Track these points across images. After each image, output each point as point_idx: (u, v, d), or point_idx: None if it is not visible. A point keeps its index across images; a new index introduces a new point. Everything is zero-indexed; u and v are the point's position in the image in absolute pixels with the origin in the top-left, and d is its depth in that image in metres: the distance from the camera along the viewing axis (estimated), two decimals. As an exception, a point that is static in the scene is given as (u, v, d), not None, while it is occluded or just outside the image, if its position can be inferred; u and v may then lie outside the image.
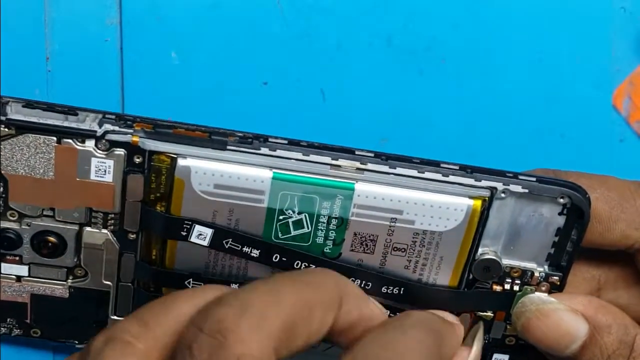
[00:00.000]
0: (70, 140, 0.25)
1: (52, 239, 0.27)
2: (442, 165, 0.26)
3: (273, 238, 0.26)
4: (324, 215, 0.26)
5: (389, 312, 0.27)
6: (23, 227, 0.27)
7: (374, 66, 0.32)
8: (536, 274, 0.28)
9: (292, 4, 0.32)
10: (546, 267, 0.28)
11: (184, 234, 0.26)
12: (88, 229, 0.27)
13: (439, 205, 0.26)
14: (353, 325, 0.24)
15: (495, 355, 0.30)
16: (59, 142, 0.25)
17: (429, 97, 0.33)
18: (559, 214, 0.27)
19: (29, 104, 0.25)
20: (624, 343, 0.27)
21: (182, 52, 0.31)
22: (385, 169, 0.26)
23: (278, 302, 0.21)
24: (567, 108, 0.34)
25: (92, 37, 0.30)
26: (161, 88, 0.31)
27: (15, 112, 0.25)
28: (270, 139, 0.26)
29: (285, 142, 0.26)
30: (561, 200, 0.27)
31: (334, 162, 0.26)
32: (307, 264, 0.27)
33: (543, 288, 0.28)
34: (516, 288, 0.28)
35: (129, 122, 0.25)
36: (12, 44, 0.29)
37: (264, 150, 0.25)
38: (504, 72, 0.33)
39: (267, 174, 0.25)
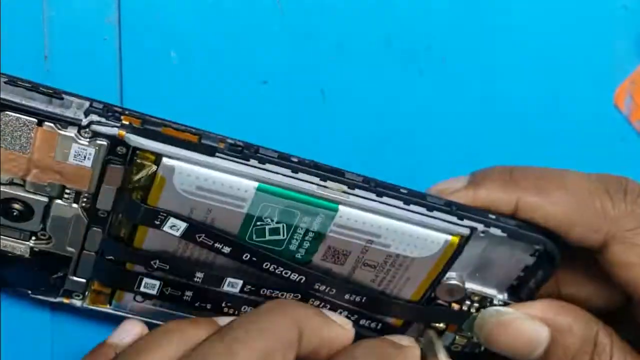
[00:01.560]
0: (52, 125, 0.24)
1: (18, 206, 0.26)
2: (428, 198, 0.26)
3: (247, 239, 0.26)
4: (302, 228, 0.26)
5: (352, 322, 0.28)
6: None
7: (374, 66, 0.32)
8: (495, 301, 0.29)
9: (292, 3, 0.32)
10: (506, 295, 0.29)
11: (157, 223, 0.26)
12: (58, 201, 0.26)
13: (417, 236, 0.26)
14: (315, 351, 0.25)
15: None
16: (40, 124, 0.24)
17: (429, 97, 0.33)
18: (530, 255, 0.28)
19: (12, 81, 0.24)
20: (587, 340, 0.27)
21: (181, 51, 0.31)
22: (372, 196, 0.26)
23: None
24: (569, 107, 0.34)
25: (91, 35, 0.30)
26: (160, 87, 0.31)
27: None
28: (260, 151, 0.25)
29: (276, 155, 0.25)
30: (536, 246, 0.27)
31: (321, 182, 0.25)
32: (275, 266, 0.27)
33: None
34: (473, 310, 0.29)
35: (117, 114, 0.25)
36: (11, 43, 0.29)
37: (253, 162, 0.25)
38: (504, 72, 0.33)
39: (252, 184, 0.25)
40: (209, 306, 0.29)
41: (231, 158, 0.25)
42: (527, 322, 0.27)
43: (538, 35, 0.34)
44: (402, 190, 0.26)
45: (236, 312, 0.29)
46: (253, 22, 0.31)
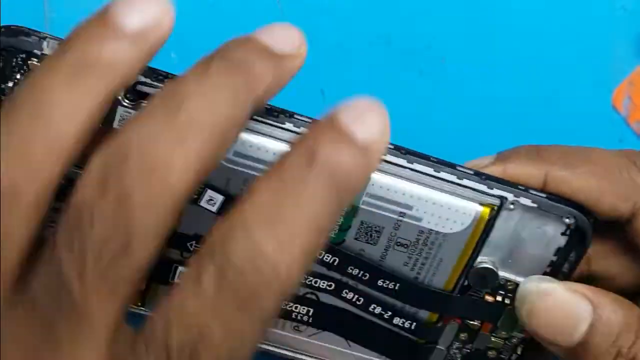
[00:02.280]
0: None
1: None
2: (457, 167, 0.26)
3: None
4: None
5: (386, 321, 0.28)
6: None
7: (374, 66, 0.32)
8: None
9: (292, 4, 0.32)
10: None
11: (194, 196, 0.25)
12: None
13: (449, 207, 0.26)
14: None
15: None
16: None
17: (429, 96, 0.33)
18: (562, 233, 0.27)
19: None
20: (630, 321, 0.26)
21: (181, 52, 0.31)
22: (403, 162, 0.25)
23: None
24: (567, 108, 0.34)
25: (92, 37, 0.30)
26: (161, 88, 0.31)
27: (51, 50, 0.24)
28: (295, 115, 0.25)
29: (310, 120, 0.25)
30: (566, 220, 0.27)
31: None
32: None
33: None
34: (507, 301, 0.28)
35: (160, 77, 0.24)
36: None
37: (289, 125, 0.25)
38: (503, 72, 0.33)
39: (287, 149, 0.25)
40: None
41: (267, 121, 0.24)
42: (569, 293, 0.26)
43: (537, 36, 0.34)
44: (432, 158, 0.26)
45: None
46: (253, 22, 0.31)
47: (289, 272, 0.17)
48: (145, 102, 0.24)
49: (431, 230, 0.26)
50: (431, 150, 0.33)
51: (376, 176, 0.26)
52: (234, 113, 0.18)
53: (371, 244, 0.27)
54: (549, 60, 0.34)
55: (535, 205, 0.26)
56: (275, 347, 0.29)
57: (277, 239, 0.17)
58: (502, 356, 0.29)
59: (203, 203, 0.25)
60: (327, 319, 0.28)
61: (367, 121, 0.18)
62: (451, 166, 0.26)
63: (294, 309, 0.28)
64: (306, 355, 0.29)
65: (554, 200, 0.26)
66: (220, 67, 0.19)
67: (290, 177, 0.17)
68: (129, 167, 0.17)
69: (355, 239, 0.27)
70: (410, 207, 0.26)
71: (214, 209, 0.25)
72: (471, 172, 0.26)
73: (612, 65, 0.34)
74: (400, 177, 0.26)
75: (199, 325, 0.17)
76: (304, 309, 0.28)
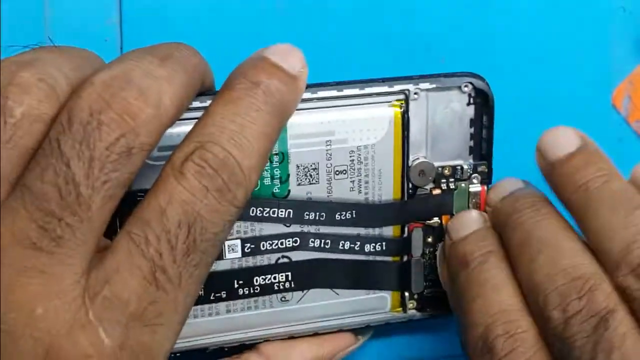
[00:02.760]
0: None
1: None
2: (359, 81, 0.28)
3: None
4: None
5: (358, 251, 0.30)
6: None
7: (374, 66, 0.32)
8: (465, 167, 0.30)
9: (292, 3, 0.32)
10: (471, 159, 0.30)
11: None
12: None
13: (365, 118, 0.28)
14: None
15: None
16: None
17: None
18: (467, 104, 0.29)
19: None
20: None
21: (183, 52, 0.31)
22: (308, 95, 0.28)
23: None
24: (567, 107, 0.34)
25: (92, 36, 0.30)
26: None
27: None
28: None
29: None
30: (465, 89, 0.29)
31: None
32: (261, 208, 0.28)
33: (475, 180, 0.30)
34: (452, 186, 0.30)
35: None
36: (12, 43, 0.29)
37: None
38: (503, 72, 0.33)
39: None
40: (224, 294, 0.29)
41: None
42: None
43: (536, 36, 0.34)
44: (332, 82, 0.28)
45: (250, 290, 0.29)
46: (253, 22, 0.31)
47: (250, 170, 0.22)
48: None
49: (359, 146, 0.28)
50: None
51: (292, 118, 0.27)
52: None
53: (314, 183, 0.29)
54: (548, 60, 0.34)
55: (434, 85, 0.29)
56: (273, 328, 0.30)
57: (239, 146, 0.22)
58: None
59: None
60: (306, 276, 0.30)
61: (291, 58, 0.24)
62: (352, 82, 0.28)
63: (273, 280, 0.29)
64: (301, 323, 0.30)
65: (449, 75, 0.29)
66: (243, 86, 0.23)
67: (240, 99, 0.23)
68: (132, 87, 0.21)
69: (298, 184, 0.28)
70: (332, 133, 0.28)
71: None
72: (370, 79, 0.29)
73: (612, 65, 0.34)
74: (312, 109, 0.28)
75: (190, 208, 0.21)
76: (282, 275, 0.29)
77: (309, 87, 0.27)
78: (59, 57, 0.22)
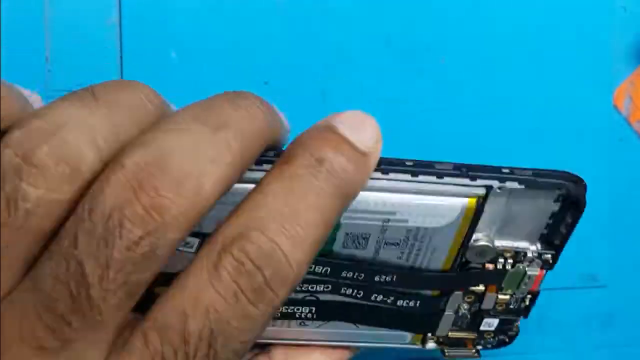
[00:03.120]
0: None
1: None
2: (436, 166, 0.25)
3: None
4: None
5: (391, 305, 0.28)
6: None
7: (374, 67, 0.32)
8: (529, 254, 0.28)
9: (292, 4, 0.32)
10: (538, 245, 0.28)
11: None
12: None
13: (433, 206, 0.25)
14: None
15: (485, 319, 0.30)
16: None
17: (428, 97, 0.33)
18: (554, 201, 0.26)
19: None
20: None
21: (182, 52, 0.31)
22: (378, 175, 0.24)
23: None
24: (568, 107, 0.34)
25: (92, 37, 0.30)
26: (161, 88, 0.31)
27: None
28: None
29: None
30: (557, 191, 0.26)
31: None
32: None
33: (535, 265, 0.28)
34: (508, 267, 0.28)
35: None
36: (12, 44, 0.29)
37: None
38: (504, 72, 0.33)
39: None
40: None
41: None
42: None
43: (537, 36, 0.34)
44: (407, 162, 0.25)
45: (274, 324, 0.28)
46: (254, 22, 0.31)
47: (300, 265, 0.19)
48: None
49: (419, 227, 0.26)
50: (431, 150, 0.33)
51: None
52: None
53: (360, 249, 0.26)
54: (549, 60, 0.34)
55: (522, 186, 0.25)
56: (283, 340, 0.29)
57: (291, 236, 0.19)
58: (511, 307, 0.29)
59: (181, 247, 0.24)
60: (330, 313, 0.28)
61: (363, 131, 0.21)
62: (428, 166, 0.25)
63: (295, 311, 0.28)
64: (316, 341, 0.29)
65: (541, 176, 0.25)
66: (304, 163, 0.20)
67: (299, 177, 0.19)
68: (167, 174, 0.18)
69: (344, 247, 0.26)
70: (393, 213, 0.25)
71: (192, 250, 0.25)
72: (450, 167, 0.25)
73: (613, 66, 0.34)
74: (378, 189, 0.25)
75: (216, 317, 0.18)
76: (305, 309, 0.28)
77: (381, 162, 0.24)
78: (93, 115, 0.19)
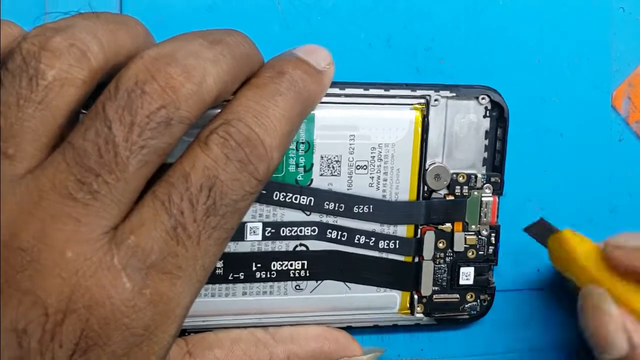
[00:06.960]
0: None
1: None
2: (384, 83, 0.31)
3: None
4: (293, 142, 0.30)
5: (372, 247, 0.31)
6: None
7: (374, 67, 0.32)
8: (479, 176, 0.32)
9: (292, 4, 0.31)
10: (484, 170, 0.32)
11: None
12: None
13: (387, 118, 0.30)
14: None
15: (462, 269, 0.32)
16: None
17: (428, 97, 0.33)
18: (484, 116, 0.31)
19: None
20: None
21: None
22: (336, 90, 0.30)
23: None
24: (567, 108, 0.34)
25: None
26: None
27: None
28: None
29: None
30: (482, 101, 0.31)
31: None
32: (284, 194, 0.30)
33: (487, 190, 0.32)
34: (465, 194, 0.32)
35: None
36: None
37: None
38: (503, 72, 0.33)
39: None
40: (242, 275, 0.30)
41: None
42: (613, 324, 0.28)
43: (536, 36, 0.34)
44: (359, 82, 0.30)
45: (267, 274, 0.30)
46: (253, 22, 0.31)
47: (272, 149, 0.23)
48: None
49: (380, 144, 0.30)
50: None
51: (319, 111, 0.30)
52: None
53: (335, 175, 0.30)
54: (548, 60, 0.34)
55: (453, 94, 0.31)
56: (285, 316, 0.31)
57: (262, 124, 0.24)
58: (481, 252, 0.32)
59: None
60: (321, 267, 0.31)
61: (317, 55, 0.27)
62: (378, 83, 0.31)
63: (289, 267, 0.31)
64: (311, 315, 0.31)
65: (467, 86, 0.31)
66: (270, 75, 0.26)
67: (264, 85, 0.25)
68: (177, 64, 0.22)
69: (321, 175, 0.30)
70: (356, 128, 0.30)
71: None
72: (394, 82, 0.31)
73: (612, 66, 0.34)
74: (338, 104, 0.30)
75: (211, 174, 0.22)
76: (298, 263, 0.31)
77: (338, 84, 0.30)
78: (94, 24, 0.23)
